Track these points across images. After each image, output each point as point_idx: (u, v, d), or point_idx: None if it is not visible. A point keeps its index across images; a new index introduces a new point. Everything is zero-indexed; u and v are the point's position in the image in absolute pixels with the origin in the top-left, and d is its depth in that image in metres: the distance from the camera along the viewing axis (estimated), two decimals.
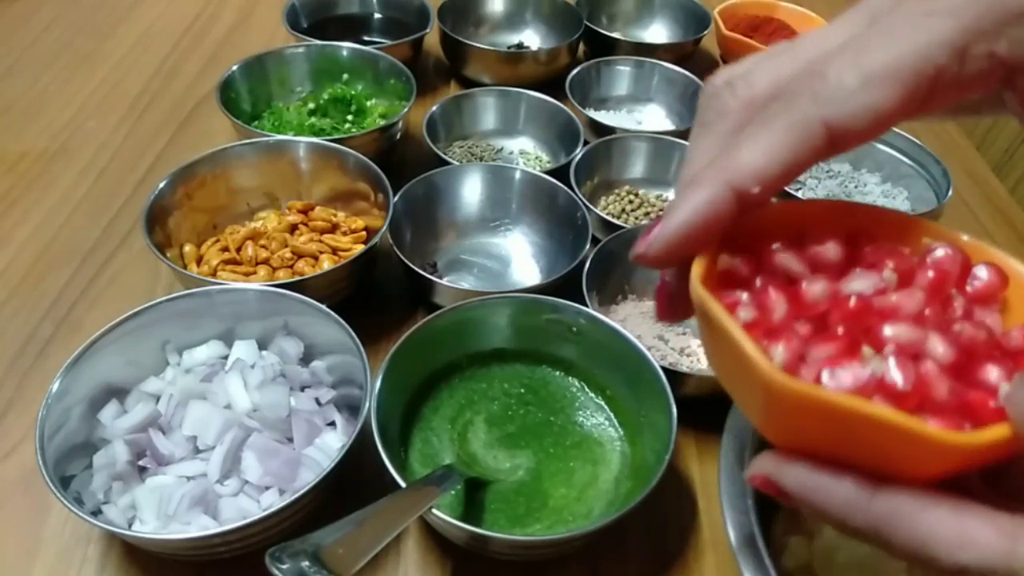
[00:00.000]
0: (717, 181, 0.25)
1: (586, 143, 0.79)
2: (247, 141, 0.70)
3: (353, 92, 0.84)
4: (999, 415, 0.22)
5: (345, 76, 0.86)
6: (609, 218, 0.71)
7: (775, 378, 0.22)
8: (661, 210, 0.77)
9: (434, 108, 0.81)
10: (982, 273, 0.26)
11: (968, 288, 0.26)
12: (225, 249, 0.66)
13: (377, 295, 0.69)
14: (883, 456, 0.23)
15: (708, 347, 0.28)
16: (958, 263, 0.26)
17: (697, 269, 0.25)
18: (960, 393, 0.23)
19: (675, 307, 0.30)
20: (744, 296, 0.26)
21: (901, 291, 0.26)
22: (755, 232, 0.27)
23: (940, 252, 0.26)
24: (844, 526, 0.24)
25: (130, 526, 0.48)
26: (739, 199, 0.25)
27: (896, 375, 0.23)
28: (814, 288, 0.25)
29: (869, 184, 0.81)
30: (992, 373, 0.24)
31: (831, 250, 0.27)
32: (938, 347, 0.24)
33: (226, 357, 0.56)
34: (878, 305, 0.25)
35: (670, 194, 0.81)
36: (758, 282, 0.26)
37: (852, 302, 0.25)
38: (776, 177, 0.25)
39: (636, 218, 0.76)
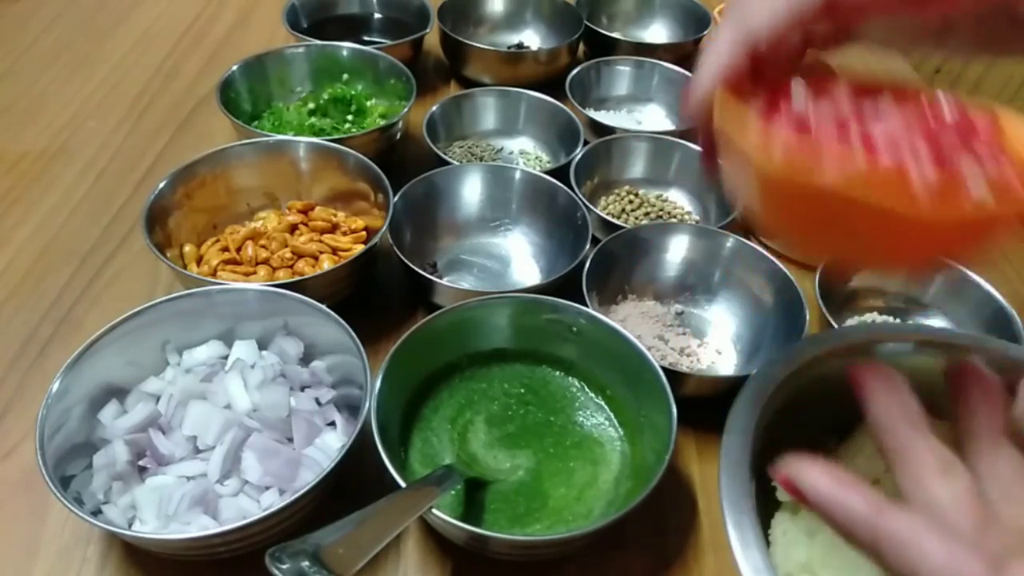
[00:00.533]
0: (730, 41, 0.32)
1: (586, 143, 0.79)
2: (247, 141, 0.70)
3: (353, 92, 0.84)
4: (971, 201, 0.25)
5: (345, 76, 0.86)
6: (609, 218, 0.71)
7: (772, 145, 0.26)
8: (661, 210, 0.77)
9: (434, 108, 0.81)
10: (979, 118, 0.29)
11: (963, 130, 0.28)
12: (225, 249, 0.66)
13: (377, 295, 0.69)
14: (868, 226, 0.26)
15: (722, 148, 0.32)
16: (956, 106, 0.29)
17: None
18: (938, 173, 0.26)
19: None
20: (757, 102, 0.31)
21: (898, 110, 0.29)
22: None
23: (941, 96, 0.30)
24: (848, 536, 0.27)
25: (130, 526, 0.48)
26: (751, 52, 0.31)
27: (880, 137, 0.26)
28: (816, 103, 0.29)
29: None
30: (970, 169, 0.26)
31: (840, 85, 0.30)
32: (922, 147, 0.26)
33: (226, 357, 0.56)
34: (871, 115, 0.28)
35: (670, 194, 0.81)
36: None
37: (847, 107, 0.28)
38: (780, 33, 0.30)
39: (636, 218, 0.76)
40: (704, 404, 0.55)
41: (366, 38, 1.02)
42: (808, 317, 0.59)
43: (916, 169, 0.25)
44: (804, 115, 0.28)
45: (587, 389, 0.58)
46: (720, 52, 0.32)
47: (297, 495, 0.44)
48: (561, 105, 0.84)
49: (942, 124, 0.28)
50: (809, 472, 0.28)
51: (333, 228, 0.69)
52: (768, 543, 0.43)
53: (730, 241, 0.67)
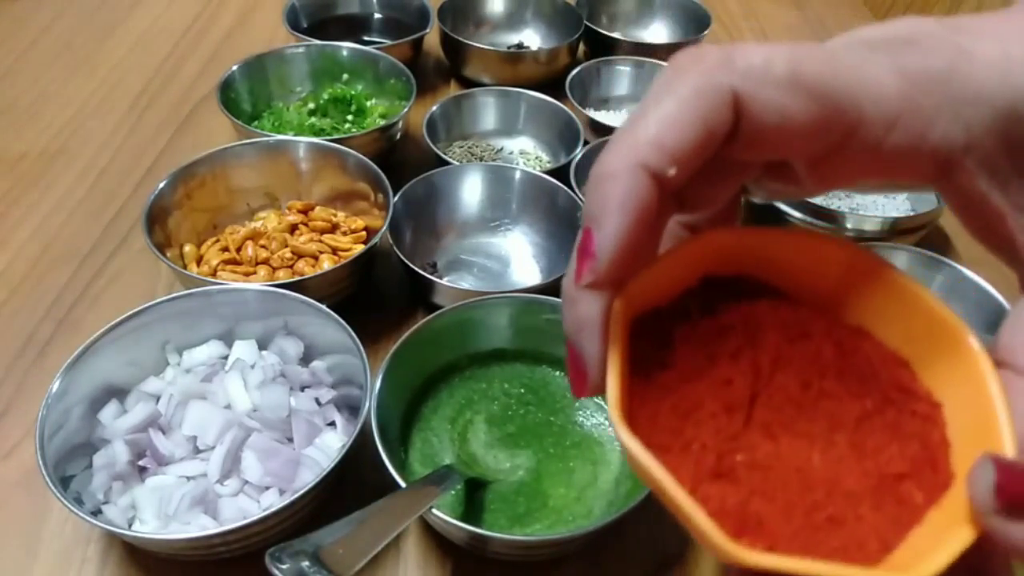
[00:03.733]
0: (630, 166, 0.22)
1: (586, 143, 0.79)
2: (247, 141, 0.70)
3: (353, 92, 0.84)
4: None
5: (345, 76, 0.86)
6: None
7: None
8: None
9: (434, 108, 0.81)
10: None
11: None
12: (225, 249, 0.66)
13: (377, 295, 0.69)
14: None
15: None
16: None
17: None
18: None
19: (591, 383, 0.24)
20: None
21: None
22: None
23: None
24: None
25: (130, 526, 0.48)
26: (658, 182, 0.22)
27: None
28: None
29: None
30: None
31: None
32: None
33: (226, 357, 0.56)
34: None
35: None
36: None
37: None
38: (687, 153, 0.22)
39: None
40: None
41: (366, 38, 1.02)
42: None
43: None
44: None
45: None
46: (619, 195, 0.21)
47: (297, 495, 0.44)
48: (561, 105, 0.84)
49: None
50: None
51: (333, 228, 0.69)
52: None
53: None
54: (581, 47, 1.00)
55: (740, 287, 0.26)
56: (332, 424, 0.53)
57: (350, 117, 0.83)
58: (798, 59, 0.22)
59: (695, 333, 0.25)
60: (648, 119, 0.22)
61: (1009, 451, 0.21)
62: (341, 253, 0.67)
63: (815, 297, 0.26)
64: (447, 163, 0.74)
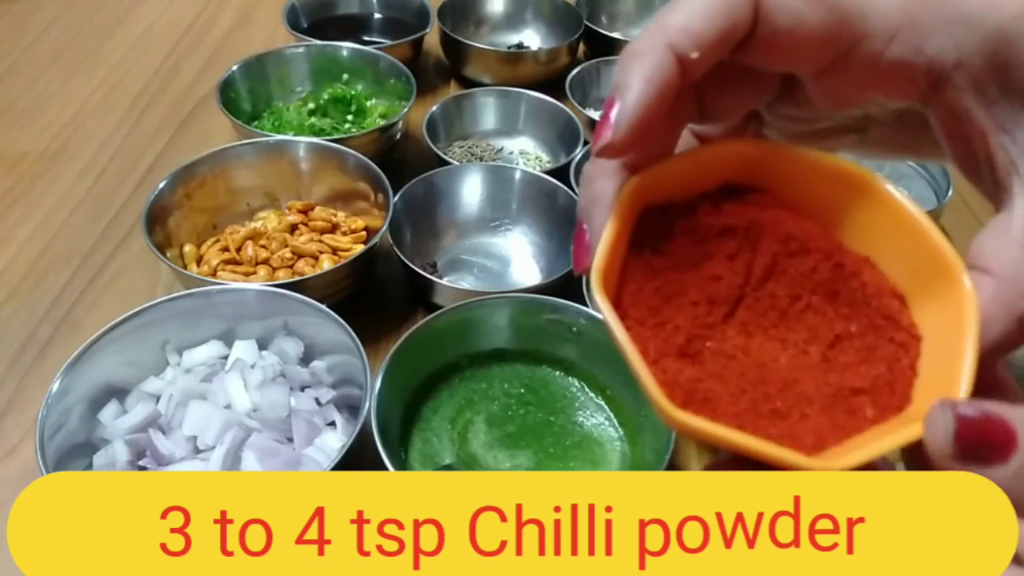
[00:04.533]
0: (658, 46, 0.24)
1: (586, 143, 0.79)
2: (247, 141, 0.70)
3: (353, 92, 0.84)
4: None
5: (345, 76, 0.86)
6: None
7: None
8: None
9: (434, 108, 0.81)
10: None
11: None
12: (225, 249, 0.66)
13: (377, 295, 0.69)
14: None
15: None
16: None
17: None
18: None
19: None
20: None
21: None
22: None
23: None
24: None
25: None
26: (682, 65, 0.24)
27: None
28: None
29: None
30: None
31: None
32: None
33: (226, 357, 0.56)
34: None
35: None
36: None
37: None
38: (711, 40, 0.24)
39: None
40: None
41: (366, 38, 1.02)
42: None
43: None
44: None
45: (587, 389, 0.58)
46: (645, 69, 0.23)
47: None
48: (561, 105, 0.84)
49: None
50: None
51: (333, 228, 0.69)
52: None
53: None
54: (581, 47, 1.00)
55: (756, 199, 0.27)
56: (332, 424, 0.53)
57: (350, 117, 0.83)
58: None
59: (698, 228, 0.26)
60: (677, 9, 0.24)
61: (963, 394, 0.22)
62: (341, 253, 0.67)
63: (829, 220, 0.27)
64: (447, 163, 0.74)
